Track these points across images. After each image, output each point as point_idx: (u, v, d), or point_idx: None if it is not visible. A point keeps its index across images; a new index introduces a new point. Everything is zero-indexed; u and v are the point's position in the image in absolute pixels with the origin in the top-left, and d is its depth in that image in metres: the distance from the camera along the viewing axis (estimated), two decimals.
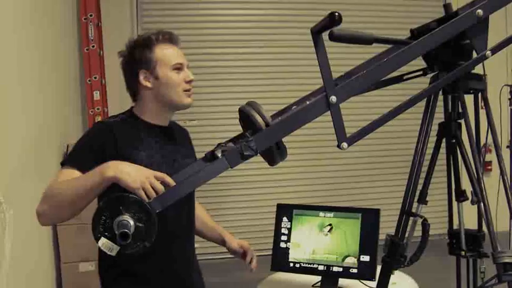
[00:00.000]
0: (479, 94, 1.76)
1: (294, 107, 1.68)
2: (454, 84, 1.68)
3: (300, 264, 2.35)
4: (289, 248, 2.37)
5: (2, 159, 2.31)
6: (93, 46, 4.72)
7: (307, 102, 1.60)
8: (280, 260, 2.38)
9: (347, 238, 2.29)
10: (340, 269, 2.25)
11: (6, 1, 2.52)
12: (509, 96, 3.69)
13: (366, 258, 2.21)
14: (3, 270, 1.93)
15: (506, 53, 5.22)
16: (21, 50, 2.84)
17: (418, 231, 1.80)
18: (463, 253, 1.86)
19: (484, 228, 1.82)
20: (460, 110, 1.73)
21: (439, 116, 1.86)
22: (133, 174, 1.43)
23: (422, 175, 1.82)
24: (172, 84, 1.81)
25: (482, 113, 1.78)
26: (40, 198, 1.61)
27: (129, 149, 1.73)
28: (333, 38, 1.44)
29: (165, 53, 1.81)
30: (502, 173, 1.64)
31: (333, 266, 2.27)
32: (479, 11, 1.54)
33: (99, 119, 4.68)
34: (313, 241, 2.34)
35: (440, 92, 1.78)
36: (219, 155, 1.48)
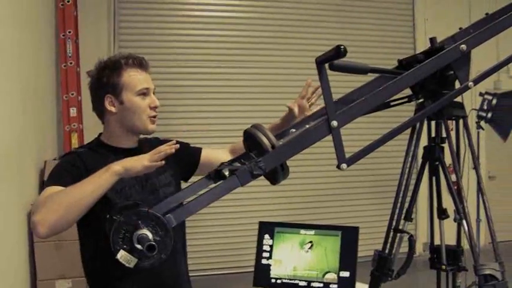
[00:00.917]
0: (461, 120, 1.92)
1: (292, 130, 1.77)
2: (438, 111, 1.83)
3: (282, 280, 2.40)
4: (271, 265, 2.42)
5: None
6: (71, 63, 4.74)
7: (307, 126, 1.72)
8: (262, 276, 2.43)
9: (327, 255, 2.36)
10: (321, 285, 2.31)
11: None
12: (476, 120, 3.90)
13: (345, 274, 2.28)
14: None
15: None
16: (0, 64, 2.85)
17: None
18: (443, 267, 1.99)
19: (463, 244, 1.96)
20: (444, 135, 1.88)
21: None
22: (136, 160, 1.55)
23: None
24: (137, 109, 1.82)
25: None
26: (32, 210, 1.61)
27: None
28: (334, 68, 1.55)
29: (132, 78, 1.82)
30: (482, 192, 1.78)
31: (313, 281, 2.34)
32: (463, 46, 1.68)
33: (75, 135, 4.68)
34: (294, 258, 2.40)
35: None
36: (227, 173, 1.55)
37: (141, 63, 1.86)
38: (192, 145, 2.17)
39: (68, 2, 4.80)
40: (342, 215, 5.81)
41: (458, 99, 1.88)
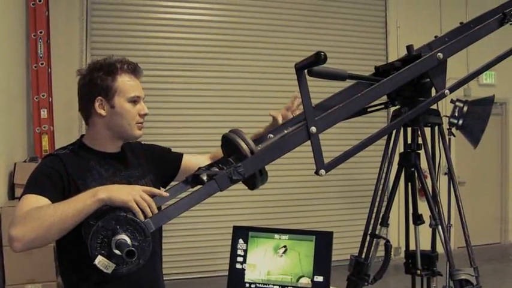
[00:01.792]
0: (436, 127, 1.94)
1: (270, 135, 1.77)
2: (415, 118, 1.85)
3: (256, 285, 2.39)
4: (245, 269, 2.41)
5: None
6: (42, 63, 4.67)
7: (285, 131, 1.72)
8: (236, 281, 2.42)
9: (301, 259, 2.36)
10: None
11: None
12: (448, 127, 3.96)
13: (319, 278, 2.29)
14: None
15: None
16: None
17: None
18: (418, 272, 2.01)
19: (438, 249, 1.99)
20: (420, 142, 1.90)
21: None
22: (124, 191, 1.48)
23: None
24: (127, 115, 1.81)
25: None
26: (12, 221, 1.56)
27: (80, 180, 1.73)
28: (313, 74, 1.56)
29: (126, 84, 1.80)
30: (457, 198, 1.81)
31: (287, 286, 2.33)
32: (440, 54, 1.71)
33: (45, 137, 4.61)
34: (268, 262, 2.40)
35: None
36: (205, 178, 1.54)
37: (135, 70, 1.84)
38: (173, 150, 2.15)
39: (40, 1, 4.72)
40: (316, 220, 5.85)
41: (434, 106, 1.91)
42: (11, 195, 3.87)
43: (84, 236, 1.49)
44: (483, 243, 6.96)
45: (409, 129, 1.96)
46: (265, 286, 2.37)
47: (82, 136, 1.91)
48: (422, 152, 1.94)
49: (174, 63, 5.79)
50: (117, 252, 1.34)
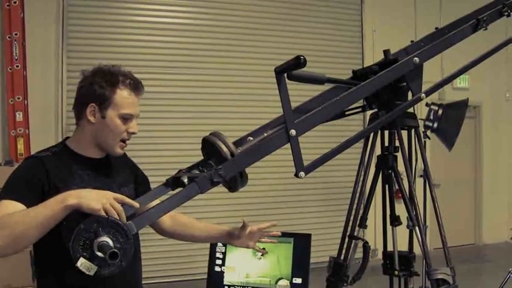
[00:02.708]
0: (413, 130, 1.98)
1: (250, 138, 1.78)
2: (392, 121, 1.88)
3: (235, 287, 2.42)
4: (224, 272, 2.44)
5: None
6: (17, 66, 4.61)
7: (265, 134, 1.73)
8: (215, 283, 2.44)
9: (280, 261, 2.39)
10: None
11: None
12: (423, 129, 4.01)
13: (298, 280, 2.32)
14: None
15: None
16: None
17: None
18: (396, 273, 2.04)
19: (415, 249, 2.03)
20: (397, 144, 1.93)
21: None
22: (94, 197, 1.46)
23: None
24: (114, 130, 1.78)
25: None
26: None
27: (61, 183, 1.69)
28: (292, 77, 1.58)
29: (123, 99, 1.77)
30: (434, 200, 1.85)
31: None
32: (416, 59, 1.75)
33: (21, 140, 4.54)
34: (247, 265, 2.42)
35: None
36: (185, 180, 1.55)
37: (136, 87, 1.82)
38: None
39: (15, 3, 4.66)
40: (294, 222, 5.85)
41: (411, 109, 1.95)
42: None
43: (64, 239, 1.48)
44: (458, 244, 7.05)
45: (386, 132, 2.00)
46: None
47: (66, 138, 1.88)
48: (398, 155, 1.98)
49: (152, 66, 5.75)
50: (99, 254, 1.33)
